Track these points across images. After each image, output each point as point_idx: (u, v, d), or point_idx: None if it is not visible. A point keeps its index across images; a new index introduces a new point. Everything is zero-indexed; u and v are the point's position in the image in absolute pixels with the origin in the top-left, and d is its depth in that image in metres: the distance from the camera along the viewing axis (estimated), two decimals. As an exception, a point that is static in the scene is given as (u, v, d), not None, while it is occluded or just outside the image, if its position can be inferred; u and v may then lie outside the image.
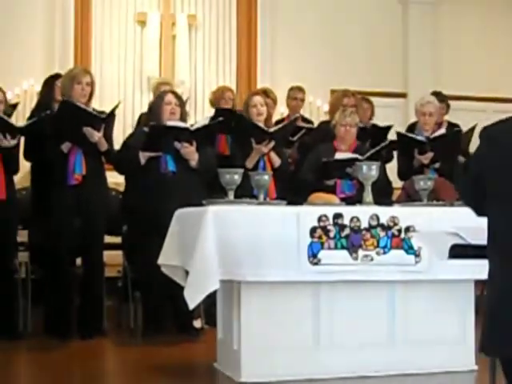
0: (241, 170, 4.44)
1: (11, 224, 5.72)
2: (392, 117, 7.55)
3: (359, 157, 5.69)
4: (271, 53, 9.02)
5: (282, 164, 6.06)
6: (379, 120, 7.02)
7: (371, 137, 6.52)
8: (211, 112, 6.85)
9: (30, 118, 6.07)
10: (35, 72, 7.85)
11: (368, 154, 5.83)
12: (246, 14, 9.05)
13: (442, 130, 6.40)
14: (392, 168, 6.51)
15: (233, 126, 6.11)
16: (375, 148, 6.02)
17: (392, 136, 6.50)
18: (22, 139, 5.85)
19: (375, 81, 8.89)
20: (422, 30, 9.36)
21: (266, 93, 6.89)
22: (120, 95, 8.55)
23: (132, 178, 5.84)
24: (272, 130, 6.07)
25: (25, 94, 8.07)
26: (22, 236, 6.16)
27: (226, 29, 9.09)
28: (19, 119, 6.71)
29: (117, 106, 5.71)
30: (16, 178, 5.92)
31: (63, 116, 5.44)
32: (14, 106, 5.91)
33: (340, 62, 9.03)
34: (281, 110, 7.93)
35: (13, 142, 5.55)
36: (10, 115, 5.81)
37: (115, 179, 6.28)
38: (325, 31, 9.10)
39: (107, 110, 5.75)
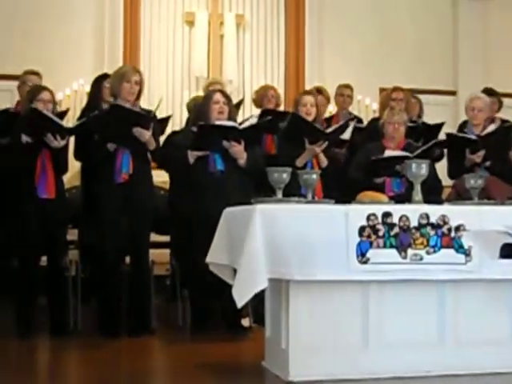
0: (289, 169, 4.42)
1: (61, 223, 5.79)
2: (442, 115, 7.46)
3: (409, 154, 5.64)
4: (319, 52, 9.00)
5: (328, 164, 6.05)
6: (429, 118, 6.96)
7: (422, 135, 6.45)
8: (259, 110, 6.87)
9: (79, 119, 6.13)
10: (85, 72, 7.93)
11: (417, 151, 5.77)
12: (294, 13, 9.04)
13: (492, 127, 6.30)
14: (442, 166, 6.44)
15: (285, 125, 6.09)
16: (424, 146, 5.96)
17: (443, 134, 6.44)
18: (72, 139, 5.91)
19: (425, 79, 8.82)
20: (472, 27, 9.27)
21: (319, 90, 6.88)
22: (168, 95, 8.61)
23: (179, 177, 5.86)
24: (329, 130, 6.05)
25: (75, 94, 8.17)
26: (72, 235, 6.22)
27: (273, 28, 9.09)
28: (69, 119, 6.78)
29: (158, 105, 5.73)
30: (66, 178, 5.99)
31: (112, 120, 5.46)
32: (65, 113, 5.95)
33: (389, 60, 8.97)
34: (329, 109, 7.90)
35: (62, 143, 5.61)
36: (61, 117, 5.86)
37: (162, 178, 6.31)
38: (374, 29, 9.06)
39: (154, 108, 5.79)
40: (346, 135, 6.29)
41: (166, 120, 6.69)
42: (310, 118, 6.02)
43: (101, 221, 5.61)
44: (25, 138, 5.55)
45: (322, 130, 6.05)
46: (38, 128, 5.51)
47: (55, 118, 5.57)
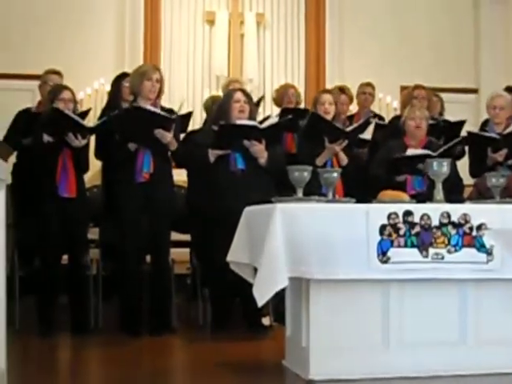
0: (310, 168, 4.41)
1: (82, 222, 5.81)
2: (464, 113, 7.41)
3: (432, 153, 5.61)
4: (340, 50, 8.98)
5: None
6: (450, 116, 6.91)
7: (444, 133, 6.42)
8: (279, 109, 6.86)
9: (100, 118, 6.15)
10: (106, 72, 7.94)
11: (440, 150, 5.75)
12: (315, 12, 9.02)
13: None
14: (463, 165, 6.41)
15: (305, 123, 6.08)
16: (447, 144, 5.93)
17: (465, 132, 6.40)
18: (92, 138, 5.93)
19: (446, 77, 8.77)
20: (493, 24, 9.20)
21: (342, 89, 6.86)
22: (189, 94, 8.62)
23: (199, 176, 5.87)
24: (349, 129, 6.03)
25: (96, 93, 8.20)
26: (93, 233, 6.24)
27: (294, 27, 9.08)
28: (90, 119, 6.80)
29: (180, 107, 5.73)
30: (86, 177, 6.01)
31: (134, 121, 5.46)
32: (86, 113, 5.97)
33: (410, 58, 8.94)
34: (350, 108, 7.87)
35: (83, 142, 5.63)
36: (83, 117, 5.88)
37: (182, 177, 6.32)
38: (394, 27, 9.02)
39: (175, 107, 5.79)
40: (367, 135, 6.27)
41: (187, 116, 6.67)
42: (328, 117, 6.01)
43: (121, 220, 5.62)
44: (46, 138, 5.58)
45: (341, 128, 6.04)
46: (60, 127, 5.54)
47: (76, 118, 5.60)
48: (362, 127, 6.24)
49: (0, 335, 3.19)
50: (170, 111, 5.72)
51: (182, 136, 6.03)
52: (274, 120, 6.02)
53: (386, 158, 5.90)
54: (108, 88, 6.88)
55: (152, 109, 5.50)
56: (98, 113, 6.76)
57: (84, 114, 5.89)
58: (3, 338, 3.28)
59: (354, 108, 7.82)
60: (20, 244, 6.01)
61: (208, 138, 5.69)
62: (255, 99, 6.44)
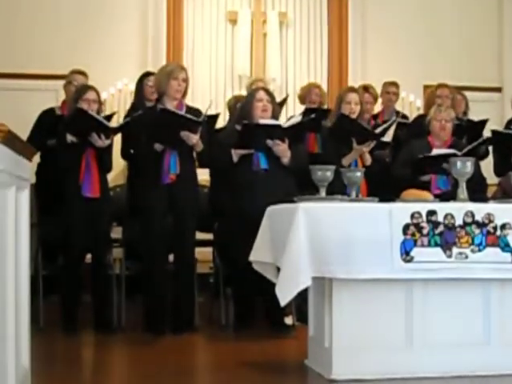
0: (333, 167, 4.40)
1: (105, 221, 5.83)
2: (488, 111, 7.36)
3: (457, 152, 5.57)
4: (362, 49, 8.94)
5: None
6: (475, 115, 6.88)
7: (467, 132, 6.39)
8: (302, 109, 6.85)
9: (125, 118, 6.17)
10: (129, 72, 7.98)
11: (465, 149, 5.71)
12: (337, 11, 9.00)
13: None
14: (487, 164, 6.37)
15: (333, 123, 6.04)
16: (472, 144, 5.89)
17: (488, 131, 6.36)
18: (117, 138, 5.95)
19: (470, 75, 8.71)
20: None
21: (366, 88, 6.83)
22: (211, 93, 8.63)
23: (222, 176, 5.87)
24: (378, 131, 6.01)
25: (119, 93, 8.22)
26: (116, 233, 6.27)
27: (316, 26, 9.06)
28: (114, 119, 6.83)
29: (208, 109, 5.72)
30: (110, 176, 6.03)
31: (160, 123, 5.46)
32: (110, 116, 5.98)
33: (433, 56, 8.89)
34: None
35: (107, 142, 5.65)
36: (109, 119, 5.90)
37: (206, 176, 6.32)
38: (417, 26, 8.97)
39: (198, 107, 5.79)
40: (387, 137, 6.23)
41: (215, 117, 6.66)
42: (353, 116, 5.99)
43: (147, 221, 5.63)
44: (70, 138, 5.60)
45: (371, 130, 6.01)
46: (83, 128, 5.56)
47: (100, 118, 5.61)
48: (390, 128, 6.21)
49: (24, 334, 3.21)
50: (197, 111, 5.69)
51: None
52: (297, 119, 6.01)
53: (410, 157, 5.87)
54: (131, 88, 6.90)
55: (179, 112, 5.49)
56: (121, 112, 6.79)
57: (108, 118, 5.88)
58: (27, 337, 3.30)
59: (378, 108, 7.81)
60: (44, 243, 6.04)
61: (231, 138, 5.69)
62: (278, 99, 6.43)
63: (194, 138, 5.50)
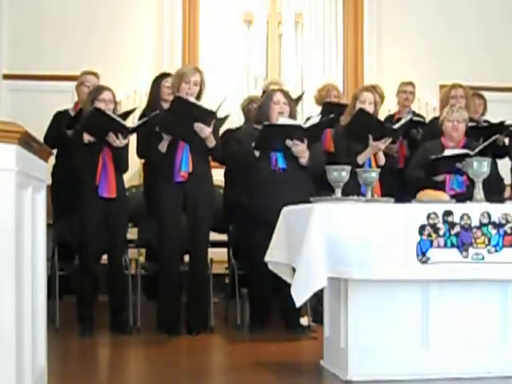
0: (348, 167, 4.40)
1: (121, 222, 5.84)
2: (508, 112, 7.32)
3: (469, 152, 5.56)
4: (378, 50, 8.94)
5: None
6: (493, 115, 6.83)
7: (484, 134, 6.34)
8: (317, 110, 6.83)
9: (140, 118, 6.18)
10: (145, 72, 8.01)
11: (478, 148, 5.68)
12: (353, 12, 8.99)
13: None
14: (504, 164, 6.33)
15: (350, 119, 6.01)
16: (483, 144, 5.86)
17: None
18: (133, 138, 5.96)
19: (489, 75, 8.68)
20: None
21: (373, 88, 6.81)
22: (227, 94, 8.61)
23: (238, 175, 5.87)
24: (396, 126, 5.99)
25: (134, 94, 8.24)
26: (132, 233, 6.28)
27: (332, 26, 9.05)
28: (129, 119, 6.85)
29: (221, 104, 5.73)
30: (126, 177, 6.04)
31: (175, 112, 5.47)
32: (130, 112, 6.00)
33: (451, 56, 8.87)
34: (388, 107, 7.82)
35: (124, 142, 5.66)
36: (126, 116, 5.91)
37: (220, 176, 6.32)
38: (433, 26, 8.96)
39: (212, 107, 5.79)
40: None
41: (223, 120, 6.68)
42: (369, 114, 5.98)
43: (161, 220, 5.64)
44: (87, 138, 5.61)
45: (389, 126, 5.99)
46: (101, 128, 5.58)
47: (117, 118, 5.63)
48: (407, 125, 6.20)
49: (40, 334, 3.22)
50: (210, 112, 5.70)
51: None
52: (315, 120, 6.00)
53: (424, 159, 5.86)
54: (146, 89, 6.92)
55: (193, 100, 5.51)
56: (137, 113, 6.80)
57: (128, 114, 5.90)
58: (44, 337, 3.31)
59: (392, 108, 7.79)
60: (60, 244, 6.06)
61: (250, 136, 5.70)
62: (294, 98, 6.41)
63: (206, 131, 5.51)
